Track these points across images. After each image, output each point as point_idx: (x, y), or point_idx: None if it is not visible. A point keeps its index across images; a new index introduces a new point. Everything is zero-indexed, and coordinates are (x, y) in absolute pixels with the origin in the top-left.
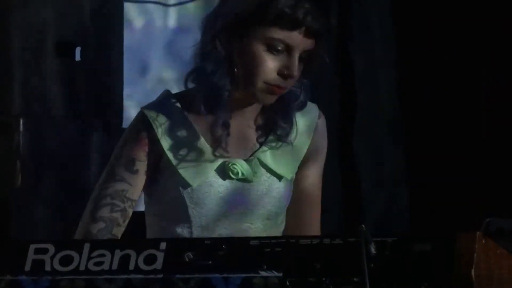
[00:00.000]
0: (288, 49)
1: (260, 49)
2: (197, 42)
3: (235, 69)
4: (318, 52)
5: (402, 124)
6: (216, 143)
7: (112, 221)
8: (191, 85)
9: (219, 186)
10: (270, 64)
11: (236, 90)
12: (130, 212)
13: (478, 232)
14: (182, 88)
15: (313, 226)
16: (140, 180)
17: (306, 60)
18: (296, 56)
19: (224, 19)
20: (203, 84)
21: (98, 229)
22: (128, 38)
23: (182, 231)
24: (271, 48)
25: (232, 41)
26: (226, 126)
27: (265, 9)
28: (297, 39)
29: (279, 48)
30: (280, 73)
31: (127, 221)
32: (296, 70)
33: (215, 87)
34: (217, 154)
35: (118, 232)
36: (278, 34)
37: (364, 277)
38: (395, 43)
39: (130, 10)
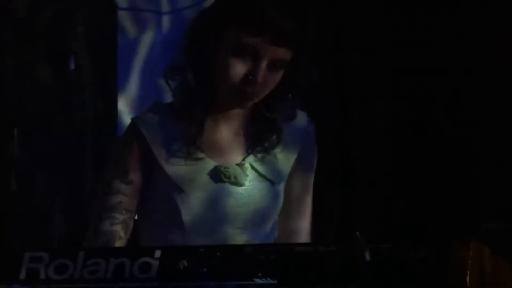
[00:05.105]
0: (255, 55)
1: (227, 53)
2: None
3: (209, 72)
4: (298, 63)
5: (397, 130)
6: (190, 140)
7: (113, 234)
8: (171, 82)
9: (212, 191)
10: (235, 69)
11: (214, 92)
12: (131, 223)
13: (472, 239)
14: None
15: (303, 232)
16: (136, 189)
17: (283, 70)
18: (263, 62)
19: (197, 22)
20: (180, 81)
21: (102, 243)
22: (122, 46)
23: (175, 236)
24: (238, 53)
25: (204, 44)
26: (200, 124)
27: (233, 14)
28: (264, 45)
29: (246, 53)
30: (244, 78)
31: (129, 232)
32: (260, 76)
33: (188, 86)
34: (190, 150)
35: (121, 244)
36: (245, 39)
37: (359, 284)
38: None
39: (124, 18)
